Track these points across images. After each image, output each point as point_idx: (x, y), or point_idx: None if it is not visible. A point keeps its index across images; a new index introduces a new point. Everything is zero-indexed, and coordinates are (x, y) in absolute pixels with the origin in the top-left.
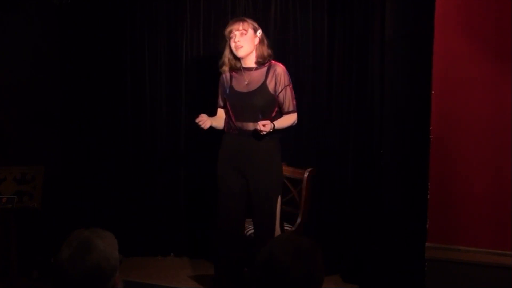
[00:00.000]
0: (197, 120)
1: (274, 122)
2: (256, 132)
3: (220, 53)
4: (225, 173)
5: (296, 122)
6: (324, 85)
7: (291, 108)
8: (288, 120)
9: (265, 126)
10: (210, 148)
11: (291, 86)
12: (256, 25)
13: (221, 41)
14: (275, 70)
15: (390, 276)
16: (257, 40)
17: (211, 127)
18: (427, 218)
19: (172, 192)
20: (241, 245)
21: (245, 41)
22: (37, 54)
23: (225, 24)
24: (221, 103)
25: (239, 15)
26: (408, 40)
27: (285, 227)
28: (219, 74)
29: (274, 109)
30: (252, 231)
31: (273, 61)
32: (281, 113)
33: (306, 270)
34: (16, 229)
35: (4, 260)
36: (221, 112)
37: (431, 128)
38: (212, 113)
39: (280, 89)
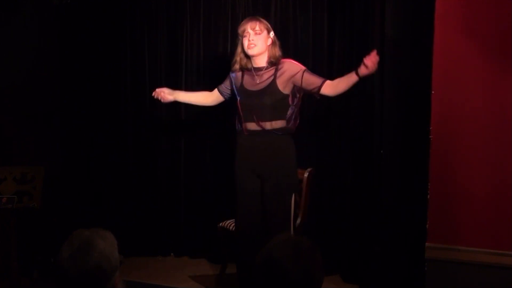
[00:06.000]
0: (153, 94)
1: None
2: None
3: (219, 53)
4: (242, 174)
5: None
6: None
7: (320, 81)
8: (339, 81)
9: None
10: (210, 148)
11: (306, 69)
12: (269, 26)
13: (221, 41)
14: (282, 67)
15: (390, 276)
16: (269, 41)
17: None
18: (427, 218)
19: (172, 192)
20: (260, 244)
21: (259, 41)
22: (37, 54)
23: (225, 24)
24: (222, 86)
25: (239, 15)
26: (408, 40)
27: None
28: (219, 73)
29: (287, 108)
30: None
31: (282, 59)
32: (295, 116)
33: (306, 270)
34: (16, 229)
35: (4, 260)
36: (214, 92)
37: (431, 128)
38: (212, 116)
39: (299, 78)
